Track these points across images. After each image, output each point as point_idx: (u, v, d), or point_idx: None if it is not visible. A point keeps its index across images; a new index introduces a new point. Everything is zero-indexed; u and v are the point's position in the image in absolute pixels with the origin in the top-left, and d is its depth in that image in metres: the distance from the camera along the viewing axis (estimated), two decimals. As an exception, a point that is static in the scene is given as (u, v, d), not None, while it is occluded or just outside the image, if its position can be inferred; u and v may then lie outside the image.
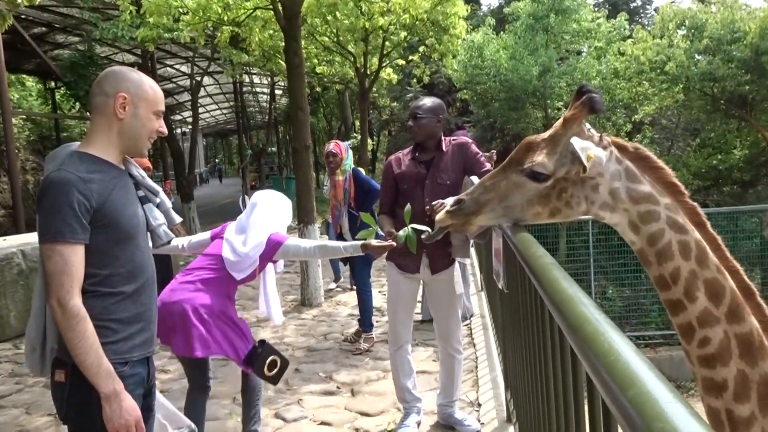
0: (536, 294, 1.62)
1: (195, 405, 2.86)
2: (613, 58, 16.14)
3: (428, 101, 3.15)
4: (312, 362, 4.67)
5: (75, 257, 1.60)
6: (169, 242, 1.89)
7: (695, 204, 1.59)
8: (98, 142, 1.72)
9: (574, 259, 9.95)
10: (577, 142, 1.52)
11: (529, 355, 1.98)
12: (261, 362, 2.74)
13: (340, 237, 5.09)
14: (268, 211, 2.98)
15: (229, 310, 2.78)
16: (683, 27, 15.36)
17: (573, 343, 1.01)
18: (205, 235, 3.04)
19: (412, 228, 2.56)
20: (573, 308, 1.04)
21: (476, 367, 4.25)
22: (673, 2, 16.99)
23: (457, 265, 3.25)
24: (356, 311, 6.22)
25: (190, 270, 2.83)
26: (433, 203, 2.59)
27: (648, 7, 28.96)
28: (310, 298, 6.44)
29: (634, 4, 28.48)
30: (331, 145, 5.04)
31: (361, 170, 5.19)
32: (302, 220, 6.33)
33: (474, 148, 3.14)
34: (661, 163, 1.60)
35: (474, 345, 4.73)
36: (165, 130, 1.80)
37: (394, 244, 2.65)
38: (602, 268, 10.15)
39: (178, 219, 1.95)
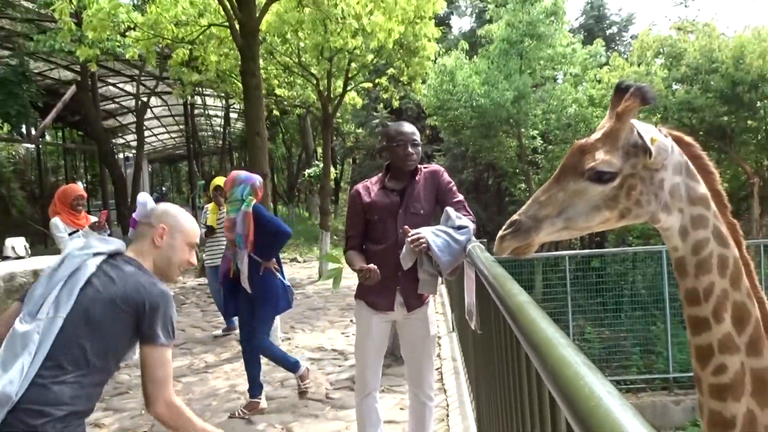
0: (512, 335, 1.63)
1: None
2: (590, 85, 16.72)
3: (413, 128, 3.23)
4: (267, 412, 4.57)
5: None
6: None
7: (735, 221, 1.61)
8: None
9: (551, 297, 10.05)
10: (639, 125, 1.52)
11: (504, 402, 1.99)
12: None
13: (230, 285, 4.49)
14: None
15: None
16: (661, 55, 16.06)
17: (551, 388, 1.02)
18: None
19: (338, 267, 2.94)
20: (552, 350, 1.06)
21: (447, 416, 4.22)
22: (651, 30, 17.78)
23: (431, 303, 3.26)
24: (317, 354, 6.15)
25: None
26: (407, 228, 2.78)
27: (624, 34, 30.28)
28: (265, 340, 6.30)
29: (611, 31, 29.70)
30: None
31: (263, 207, 4.49)
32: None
33: (446, 176, 3.21)
34: (712, 166, 1.62)
35: (445, 391, 4.70)
36: (194, 262, 2.23)
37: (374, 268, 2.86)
38: (580, 307, 10.27)
39: None
